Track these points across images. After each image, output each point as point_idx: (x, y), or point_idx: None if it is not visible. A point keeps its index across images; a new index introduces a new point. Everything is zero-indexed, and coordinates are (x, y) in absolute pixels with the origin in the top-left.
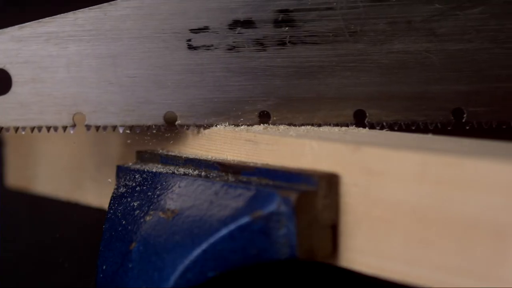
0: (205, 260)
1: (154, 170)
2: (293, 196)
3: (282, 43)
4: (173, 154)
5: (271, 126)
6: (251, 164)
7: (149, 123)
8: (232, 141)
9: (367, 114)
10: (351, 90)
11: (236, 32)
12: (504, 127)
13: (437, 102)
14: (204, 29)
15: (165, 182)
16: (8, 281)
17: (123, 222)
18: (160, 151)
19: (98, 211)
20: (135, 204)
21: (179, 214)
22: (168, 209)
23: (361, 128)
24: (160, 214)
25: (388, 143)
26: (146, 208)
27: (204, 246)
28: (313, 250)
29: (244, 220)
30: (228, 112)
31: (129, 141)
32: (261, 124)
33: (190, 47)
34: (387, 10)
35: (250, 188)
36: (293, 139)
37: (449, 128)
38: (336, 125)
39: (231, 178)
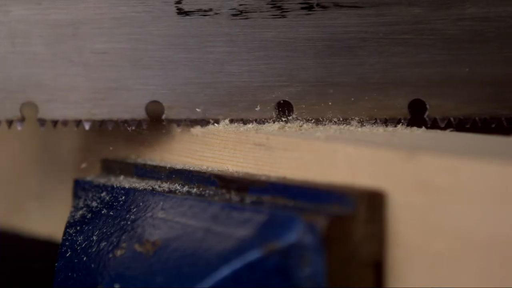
0: None
1: (126, 186)
2: (321, 222)
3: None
4: (153, 163)
5: (289, 124)
6: (263, 178)
7: (8, 116)
8: (235, 145)
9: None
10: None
11: None
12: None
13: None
14: None
15: (142, 202)
16: (8, 281)
17: (84, 259)
18: (135, 159)
19: (46, 243)
20: (101, 233)
21: (162, 247)
22: (147, 241)
23: (415, 128)
24: (136, 247)
25: (454, 149)
26: (116, 239)
27: None
28: None
29: (254, 255)
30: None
31: (88, 145)
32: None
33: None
34: None
35: (262, 211)
36: (320, 143)
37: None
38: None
39: (234, 197)
